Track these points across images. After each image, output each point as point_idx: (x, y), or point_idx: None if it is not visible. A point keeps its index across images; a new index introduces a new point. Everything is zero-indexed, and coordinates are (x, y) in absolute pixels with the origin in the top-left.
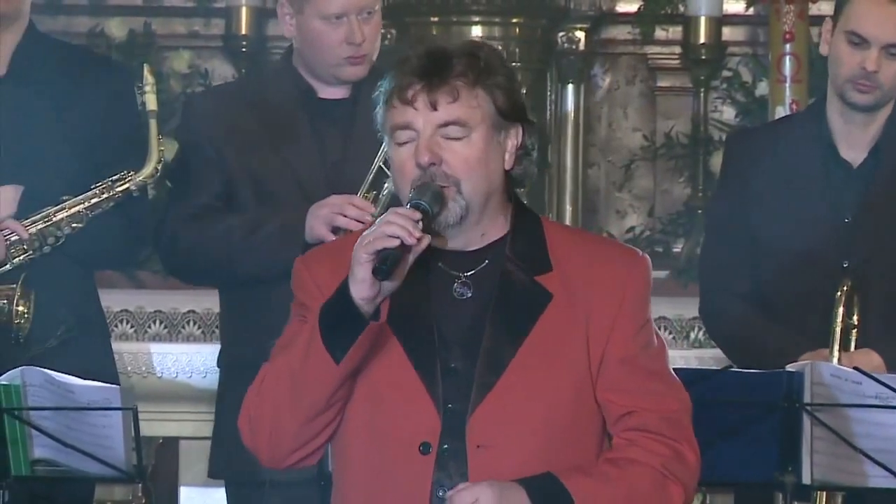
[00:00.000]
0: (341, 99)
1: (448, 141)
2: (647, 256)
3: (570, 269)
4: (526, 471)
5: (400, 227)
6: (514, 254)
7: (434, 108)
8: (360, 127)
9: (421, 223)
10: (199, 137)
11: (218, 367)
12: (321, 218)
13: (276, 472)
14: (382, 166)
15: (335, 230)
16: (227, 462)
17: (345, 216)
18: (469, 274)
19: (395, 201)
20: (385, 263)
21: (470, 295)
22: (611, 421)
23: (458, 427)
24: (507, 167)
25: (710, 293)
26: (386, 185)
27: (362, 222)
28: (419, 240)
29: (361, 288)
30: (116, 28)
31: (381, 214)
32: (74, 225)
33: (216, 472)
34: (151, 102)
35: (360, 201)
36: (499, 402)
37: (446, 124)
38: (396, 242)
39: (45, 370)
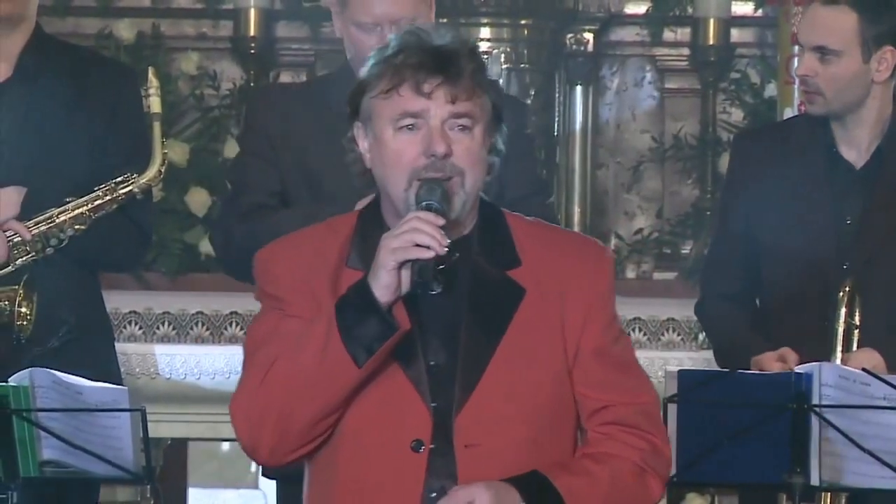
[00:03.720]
0: None
1: (455, 133)
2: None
3: (539, 263)
4: (513, 469)
5: (430, 236)
6: (482, 248)
7: (453, 102)
8: None
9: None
10: (258, 134)
11: None
12: None
13: None
14: None
15: None
16: None
17: None
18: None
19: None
20: (423, 277)
21: (440, 290)
22: (585, 415)
23: (445, 426)
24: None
25: (704, 296)
26: None
27: None
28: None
29: (385, 293)
30: (125, 30)
31: None
32: (77, 227)
33: (270, 472)
34: (156, 105)
35: None
36: (484, 400)
37: (458, 116)
38: (431, 254)
39: (54, 371)
